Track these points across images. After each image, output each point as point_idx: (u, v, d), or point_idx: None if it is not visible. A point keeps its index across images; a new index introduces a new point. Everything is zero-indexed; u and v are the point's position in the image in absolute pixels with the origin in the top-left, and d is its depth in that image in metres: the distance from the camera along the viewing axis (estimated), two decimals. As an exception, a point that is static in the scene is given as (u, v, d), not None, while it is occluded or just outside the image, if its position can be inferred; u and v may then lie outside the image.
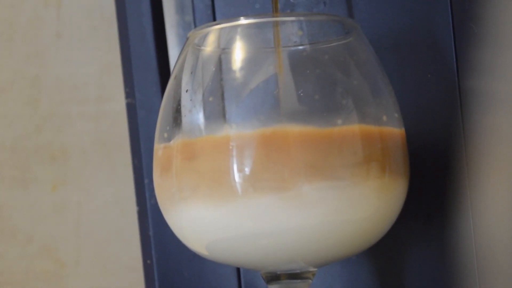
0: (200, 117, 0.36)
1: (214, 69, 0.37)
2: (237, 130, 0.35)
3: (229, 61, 0.37)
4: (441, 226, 0.41)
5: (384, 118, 0.37)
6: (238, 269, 0.45)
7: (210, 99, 0.36)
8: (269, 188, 0.34)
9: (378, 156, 0.36)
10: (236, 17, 0.37)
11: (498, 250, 0.30)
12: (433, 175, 0.41)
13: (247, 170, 0.35)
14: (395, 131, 0.37)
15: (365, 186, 0.35)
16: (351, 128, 0.35)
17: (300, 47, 0.37)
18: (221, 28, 0.37)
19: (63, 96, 0.56)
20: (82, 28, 0.56)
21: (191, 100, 0.37)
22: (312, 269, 0.37)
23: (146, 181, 0.46)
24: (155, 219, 0.46)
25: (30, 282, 0.56)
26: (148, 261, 0.46)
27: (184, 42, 0.39)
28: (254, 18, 0.37)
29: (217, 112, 0.36)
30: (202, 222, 0.36)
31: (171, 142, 0.37)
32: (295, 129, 0.35)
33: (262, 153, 0.35)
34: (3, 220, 0.56)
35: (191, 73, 0.37)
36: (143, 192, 0.46)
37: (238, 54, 0.36)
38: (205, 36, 0.37)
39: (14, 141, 0.56)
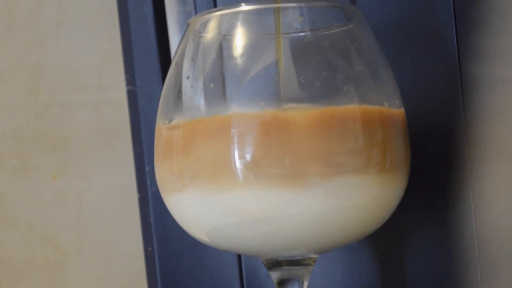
0: (201, 104, 0.36)
1: (215, 55, 0.37)
2: (238, 117, 0.35)
3: (230, 47, 0.36)
4: (442, 213, 0.41)
5: (385, 104, 0.37)
6: (239, 256, 0.45)
7: (211, 85, 0.36)
8: (270, 174, 0.34)
9: (379, 143, 0.36)
10: (237, 3, 0.37)
11: (499, 237, 0.30)
12: (434, 162, 0.41)
13: (248, 156, 0.35)
14: (396, 117, 0.37)
15: (366, 173, 0.35)
16: (352, 114, 0.35)
17: (301, 34, 0.37)
18: (222, 15, 0.37)
19: (64, 84, 0.56)
20: (82, 16, 0.56)
21: (192, 87, 0.37)
22: (313, 255, 0.37)
23: (147, 168, 0.46)
24: (156, 206, 0.46)
25: (31, 270, 0.56)
26: (149, 248, 0.46)
27: (185, 29, 0.38)
28: (255, 4, 0.37)
29: (218, 98, 0.36)
30: (203, 208, 0.36)
31: (172, 128, 0.36)
32: (296, 115, 0.35)
33: (263, 140, 0.35)
34: (4, 209, 0.56)
35: (192, 59, 0.37)
36: (144, 179, 0.46)
37: (239, 40, 0.36)
38: (206, 23, 0.37)
39: (15, 130, 0.56)
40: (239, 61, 0.36)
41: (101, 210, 0.56)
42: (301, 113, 0.35)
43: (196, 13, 0.45)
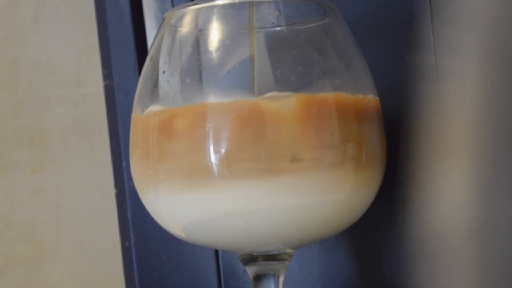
0: (177, 98, 0.36)
1: (191, 50, 0.37)
2: (213, 113, 0.35)
3: (206, 42, 0.36)
4: (418, 206, 0.41)
5: (360, 99, 0.36)
6: (216, 252, 0.45)
7: (187, 80, 0.36)
8: (245, 169, 0.34)
9: (355, 137, 0.36)
10: (213, -3, 0.37)
11: (462, 232, 0.30)
12: (410, 156, 0.41)
13: (223, 151, 0.34)
14: (372, 112, 0.37)
15: (342, 167, 0.35)
16: (327, 108, 0.35)
17: (277, 28, 0.37)
18: (198, 9, 0.37)
19: (42, 79, 0.56)
20: (60, 11, 0.56)
21: (167, 81, 0.36)
22: (288, 250, 0.37)
23: (124, 163, 0.46)
24: (133, 201, 0.46)
25: (9, 266, 0.56)
26: (127, 244, 0.46)
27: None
28: (231, -1, 0.36)
29: (194, 93, 0.36)
30: (179, 204, 0.36)
31: (147, 122, 0.36)
32: (271, 110, 0.35)
33: (238, 135, 0.34)
34: (-18, 205, 0.56)
35: (168, 54, 0.37)
36: (121, 174, 0.46)
37: (215, 35, 0.36)
38: (181, 17, 0.37)
39: (-7, 125, 0.56)
40: (215, 55, 0.36)
41: (80, 206, 0.55)
42: (276, 107, 0.35)
43: (173, 7, 0.45)
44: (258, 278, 0.37)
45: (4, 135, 0.56)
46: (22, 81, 0.56)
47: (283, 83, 0.35)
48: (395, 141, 0.39)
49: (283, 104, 0.35)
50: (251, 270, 0.37)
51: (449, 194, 0.31)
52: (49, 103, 0.56)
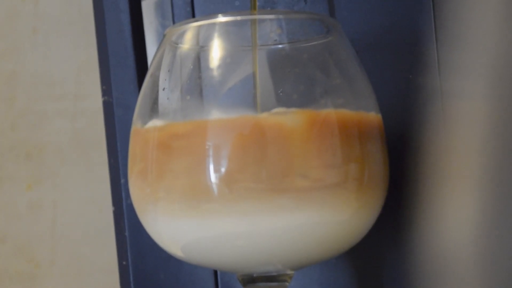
0: (177, 116, 0.36)
1: (191, 67, 0.36)
2: (214, 130, 0.34)
3: (207, 59, 0.36)
4: (421, 228, 0.41)
5: (364, 118, 0.36)
6: (215, 271, 0.45)
7: (188, 97, 0.36)
8: (245, 189, 0.34)
9: (357, 157, 0.35)
10: (215, 14, 0.36)
11: (466, 254, 0.30)
12: (413, 177, 0.41)
13: (223, 170, 0.34)
14: (375, 132, 0.36)
15: (343, 188, 0.35)
16: (329, 128, 0.35)
17: (279, 46, 0.36)
18: (199, 26, 0.36)
19: (40, 93, 0.55)
20: (59, 24, 0.55)
21: (168, 98, 0.36)
22: (289, 271, 0.37)
23: (122, 181, 0.45)
24: (131, 219, 0.45)
25: (4, 282, 0.55)
26: (124, 262, 0.45)
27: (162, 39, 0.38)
28: (232, 16, 0.36)
29: (194, 110, 0.35)
30: (177, 223, 0.35)
31: (146, 140, 0.36)
32: (272, 129, 0.34)
33: (239, 154, 0.34)
34: (-23, 219, 0.55)
35: (168, 71, 0.36)
36: (119, 192, 0.45)
37: (216, 52, 0.36)
38: (182, 34, 0.37)
39: (-11, 138, 0.56)
40: (216, 72, 0.36)
41: (76, 222, 0.55)
42: (277, 127, 0.34)
43: (174, 23, 0.45)
44: (258, 300, 0.37)
45: (0, 149, 0.55)
46: (20, 94, 0.55)
47: (285, 101, 0.35)
48: (398, 162, 0.39)
49: (286, 120, 0.34)
50: (250, 292, 0.37)
51: (453, 216, 0.31)
52: (47, 116, 0.55)
